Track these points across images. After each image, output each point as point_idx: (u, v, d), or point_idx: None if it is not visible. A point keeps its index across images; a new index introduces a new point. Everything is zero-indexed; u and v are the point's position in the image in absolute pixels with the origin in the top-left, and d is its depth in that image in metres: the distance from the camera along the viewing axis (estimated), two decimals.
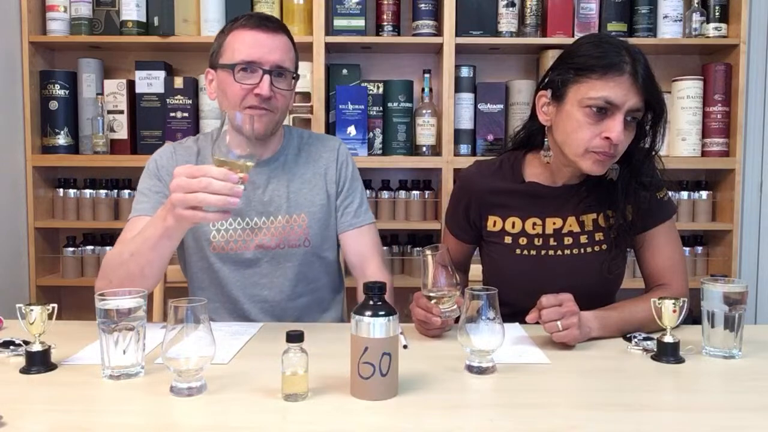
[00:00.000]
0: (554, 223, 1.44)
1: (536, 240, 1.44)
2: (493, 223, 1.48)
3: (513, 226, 1.46)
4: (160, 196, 1.46)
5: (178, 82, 2.44)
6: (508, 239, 1.46)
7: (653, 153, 1.40)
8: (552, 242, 1.44)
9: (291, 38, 1.50)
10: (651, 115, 1.34)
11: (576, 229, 1.43)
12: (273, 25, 1.46)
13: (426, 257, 1.30)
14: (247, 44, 1.43)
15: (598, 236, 1.44)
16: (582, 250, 1.43)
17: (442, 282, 1.29)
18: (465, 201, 1.51)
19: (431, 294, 1.29)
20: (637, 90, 1.27)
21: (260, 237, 1.52)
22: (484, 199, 1.48)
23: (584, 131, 1.30)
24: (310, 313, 1.58)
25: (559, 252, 1.44)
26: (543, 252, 1.44)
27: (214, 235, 1.51)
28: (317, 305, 1.60)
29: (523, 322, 1.26)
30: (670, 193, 1.47)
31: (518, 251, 1.45)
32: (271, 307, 1.54)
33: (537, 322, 1.23)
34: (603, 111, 1.28)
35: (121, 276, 1.30)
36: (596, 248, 1.44)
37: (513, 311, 1.33)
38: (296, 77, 1.51)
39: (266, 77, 1.42)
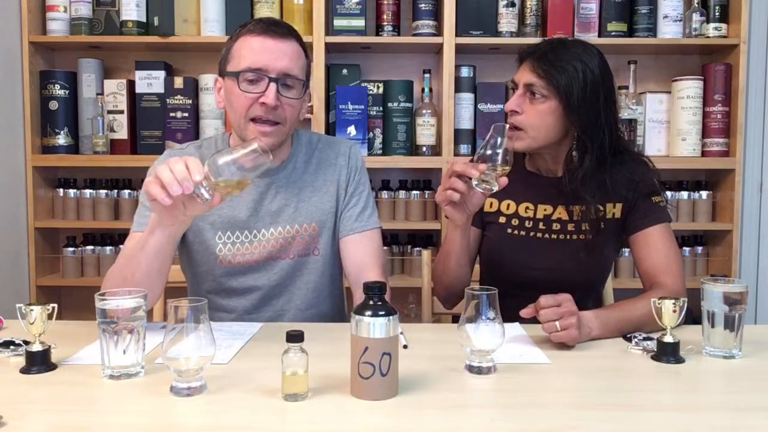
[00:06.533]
0: (545, 210, 1.55)
1: (527, 222, 1.56)
2: (490, 204, 1.58)
3: (507, 208, 1.58)
4: None
5: (178, 82, 2.44)
6: (502, 219, 1.58)
7: (601, 124, 1.46)
8: (541, 226, 1.54)
9: (302, 45, 1.44)
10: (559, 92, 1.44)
11: (565, 217, 1.53)
12: (282, 30, 1.40)
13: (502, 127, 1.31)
14: (254, 50, 1.37)
15: (585, 226, 1.51)
16: (568, 237, 1.53)
17: (498, 159, 1.29)
18: None
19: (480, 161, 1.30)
20: (529, 69, 1.47)
21: (269, 248, 1.48)
22: None
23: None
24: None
25: (547, 236, 1.54)
26: (532, 234, 1.55)
27: (220, 248, 1.48)
28: (326, 316, 1.56)
29: (521, 320, 1.26)
30: (668, 201, 1.53)
31: (509, 230, 1.56)
32: (279, 316, 1.51)
33: (533, 318, 1.23)
34: (514, 89, 1.50)
35: (117, 283, 1.27)
36: (581, 236, 1.52)
37: (504, 288, 1.33)
38: (307, 86, 1.44)
39: (272, 86, 1.36)
